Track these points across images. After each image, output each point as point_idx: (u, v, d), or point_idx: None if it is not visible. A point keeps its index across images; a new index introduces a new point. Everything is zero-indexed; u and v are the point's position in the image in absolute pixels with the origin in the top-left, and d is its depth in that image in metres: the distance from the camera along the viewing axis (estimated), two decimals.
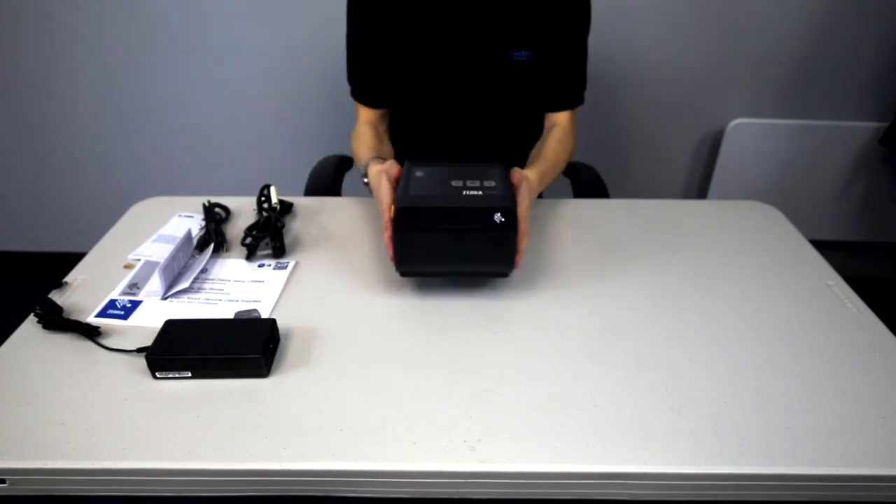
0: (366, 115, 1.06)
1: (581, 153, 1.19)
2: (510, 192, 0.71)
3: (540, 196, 1.14)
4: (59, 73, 1.53)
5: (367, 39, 0.99)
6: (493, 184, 0.72)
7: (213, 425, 0.55)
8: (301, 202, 0.97)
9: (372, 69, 1.02)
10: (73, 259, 0.81)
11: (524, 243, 0.73)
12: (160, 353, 0.61)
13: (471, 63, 0.97)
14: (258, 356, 0.60)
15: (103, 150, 1.66)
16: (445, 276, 0.77)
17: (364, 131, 1.03)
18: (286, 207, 0.93)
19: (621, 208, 0.95)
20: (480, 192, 0.70)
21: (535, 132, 1.06)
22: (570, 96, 1.02)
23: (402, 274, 0.74)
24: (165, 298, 0.73)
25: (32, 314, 0.69)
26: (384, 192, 0.74)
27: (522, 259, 0.73)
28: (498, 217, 0.67)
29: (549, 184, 0.96)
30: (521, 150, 1.05)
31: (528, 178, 0.82)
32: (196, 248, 0.83)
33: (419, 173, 0.75)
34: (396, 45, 0.98)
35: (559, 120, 1.03)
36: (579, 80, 1.01)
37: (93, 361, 0.63)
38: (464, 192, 0.70)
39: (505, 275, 0.74)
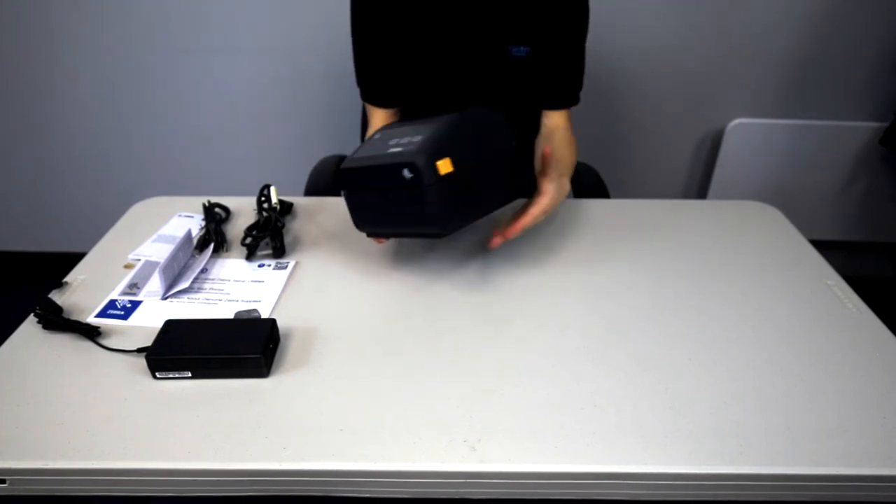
0: (378, 118, 1.06)
1: (581, 153, 1.18)
2: (436, 141, 0.65)
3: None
4: (59, 73, 1.53)
5: (372, 40, 0.99)
6: (419, 138, 0.66)
7: (213, 425, 0.55)
8: (301, 202, 0.97)
9: (379, 70, 1.02)
10: (73, 259, 0.81)
11: (517, 226, 0.74)
12: (160, 353, 0.61)
13: (469, 59, 0.97)
14: (258, 356, 0.60)
15: (103, 150, 1.66)
16: (397, 236, 0.77)
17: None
18: (286, 207, 0.93)
19: (621, 208, 0.95)
20: (401, 149, 0.66)
21: (535, 129, 1.06)
22: (566, 95, 1.02)
23: (368, 234, 0.76)
24: (165, 298, 0.73)
25: (32, 314, 0.69)
26: None
27: (524, 257, 0.73)
28: (406, 172, 0.63)
29: None
30: (519, 146, 1.05)
31: (564, 184, 0.86)
32: (196, 248, 0.83)
33: (378, 135, 0.75)
34: (400, 44, 0.98)
35: (560, 123, 1.03)
36: (576, 80, 1.01)
37: (93, 361, 0.63)
38: (388, 150, 0.67)
39: (438, 235, 0.71)
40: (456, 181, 0.65)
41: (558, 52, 0.97)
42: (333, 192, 1.10)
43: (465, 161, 0.66)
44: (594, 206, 0.97)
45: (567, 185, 0.89)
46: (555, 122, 1.03)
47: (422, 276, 0.78)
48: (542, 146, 1.01)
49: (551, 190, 0.79)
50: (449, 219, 0.68)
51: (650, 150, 1.65)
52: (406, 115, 1.08)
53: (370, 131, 1.06)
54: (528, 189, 0.77)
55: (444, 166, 0.64)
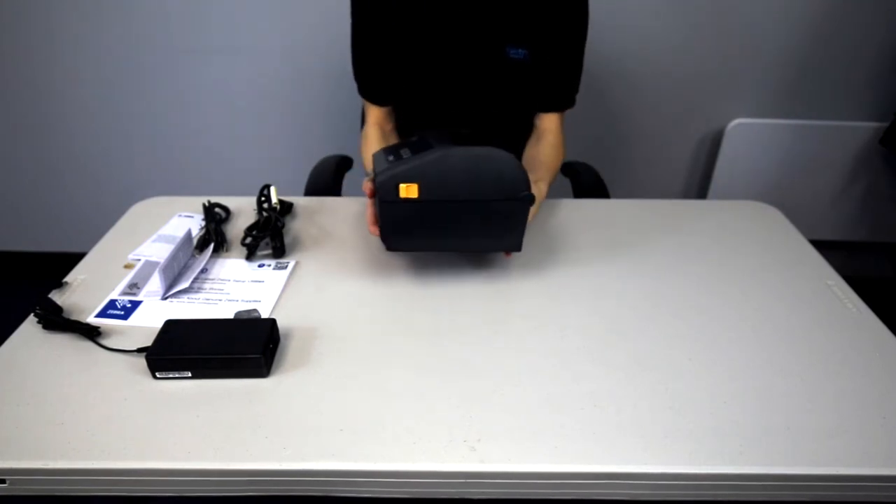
0: (374, 115, 1.06)
1: (581, 153, 1.19)
2: (412, 168, 0.68)
3: None
4: (59, 73, 1.53)
5: (371, 36, 0.99)
6: (412, 157, 0.70)
7: (213, 425, 0.55)
8: (301, 202, 0.97)
9: (376, 66, 1.02)
10: (73, 259, 0.81)
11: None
12: (160, 353, 0.61)
13: (467, 60, 0.97)
14: (258, 356, 0.60)
15: (103, 150, 1.66)
16: None
17: (371, 134, 1.04)
18: (286, 207, 0.93)
19: (621, 208, 0.95)
20: (393, 161, 0.71)
21: (529, 131, 1.06)
22: (562, 98, 1.02)
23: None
24: (165, 298, 0.73)
25: (32, 314, 0.69)
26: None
27: (524, 257, 0.73)
28: (377, 181, 0.69)
29: None
30: (517, 148, 1.05)
31: (541, 189, 0.88)
32: (196, 248, 0.83)
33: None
34: (398, 43, 0.98)
35: (551, 127, 1.03)
36: (572, 84, 1.01)
37: (93, 361, 0.63)
38: (390, 158, 0.73)
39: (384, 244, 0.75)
40: (416, 208, 0.69)
41: (556, 55, 0.97)
42: (333, 192, 1.11)
43: (438, 196, 0.69)
44: (594, 206, 0.97)
45: (544, 190, 0.91)
46: (547, 125, 1.03)
47: (422, 276, 0.78)
48: (530, 148, 1.02)
49: None
50: (394, 236, 0.73)
51: (650, 150, 1.65)
52: (402, 112, 1.08)
53: (366, 129, 1.06)
54: (513, 246, 0.75)
55: (408, 191, 0.68)
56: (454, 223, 0.71)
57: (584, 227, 0.90)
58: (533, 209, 0.79)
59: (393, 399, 0.59)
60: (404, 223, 0.71)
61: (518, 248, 0.75)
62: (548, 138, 1.02)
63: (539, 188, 0.88)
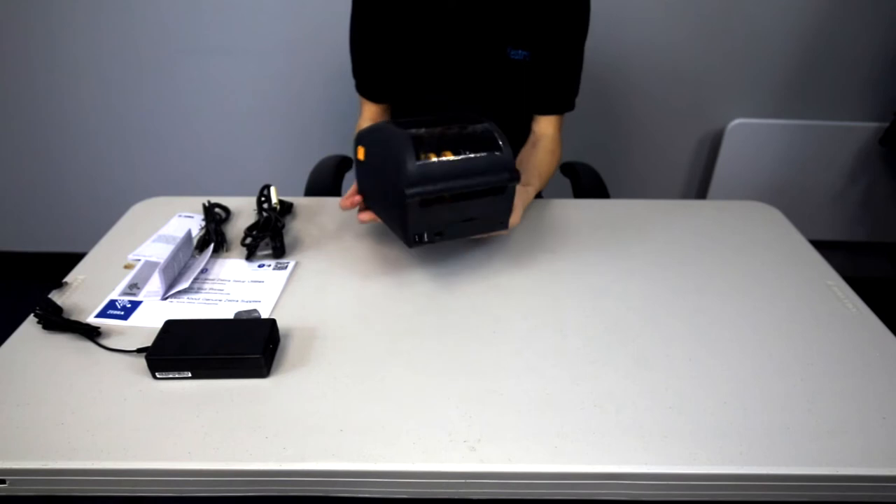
0: (369, 111, 1.07)
1: (581, 153, 1.19)
2: (367, 134, 0.75)
3: (539, 196, 1.14)
4: (59, 73, 1.53)
5: (371, 34, 0.99)
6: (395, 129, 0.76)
7: (213, 425, 0.55)
8: (301, 202, 0.97)
9: (375, 64, 1.02)
10: (73, 259, 0.81)
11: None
12: (160, 353, 0.61)
13: (468, 61, 0.97)
14: (258, 356, 0.60)
15: (103, 150, 1.66)
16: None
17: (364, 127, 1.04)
18: (286, 207, 0.93)
19: (621, 208, 0.95)
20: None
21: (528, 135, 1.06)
22: (561, 101, 1.02)
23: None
24: (165, 298, 0.73)
25: (32, 314, 0.69)
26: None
27: (524, 257, 0.73)
28: None
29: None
30: (518, 149, 1.05)
31: (528, 193, 0.89)
32: (196, 248, 0.83)
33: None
34: (398, 41, 0.98)
35: (548, 131, 1.03)
36: (571, 86, 1.01)
37: (93, 361, 0.63)
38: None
39: None
40: (364, 170, 0.77)
41: (557, 56, 0.97)
42: (333, 193, 1.11)
43: (371, 163, 0.75)
44: (594, 206, 0.97)
45: (531, 194, 0.91)
46: (544, 128, 1.03)
47: (421, 275, 0.78)
48: (524, 151, 1.02)
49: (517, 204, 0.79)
50: (361, 190, 0.80)
51: (650, 150, 1.65)
52: (401, 112, 1.08)
53: (360, 121, 1.07)
54: (403, 237, 0.72)
55: (360, 152, 0.77)
56: (382, 194, 0.74)
57: (584, 227, 0.90)
58: (515, 216, 0.78)
59: (393, 399, 0.59)
60: (361, 182, 0.79)
61: (407, 242, 0.71)
62: (544, 143, 1.02)
63: (527, 192, 0.89)
